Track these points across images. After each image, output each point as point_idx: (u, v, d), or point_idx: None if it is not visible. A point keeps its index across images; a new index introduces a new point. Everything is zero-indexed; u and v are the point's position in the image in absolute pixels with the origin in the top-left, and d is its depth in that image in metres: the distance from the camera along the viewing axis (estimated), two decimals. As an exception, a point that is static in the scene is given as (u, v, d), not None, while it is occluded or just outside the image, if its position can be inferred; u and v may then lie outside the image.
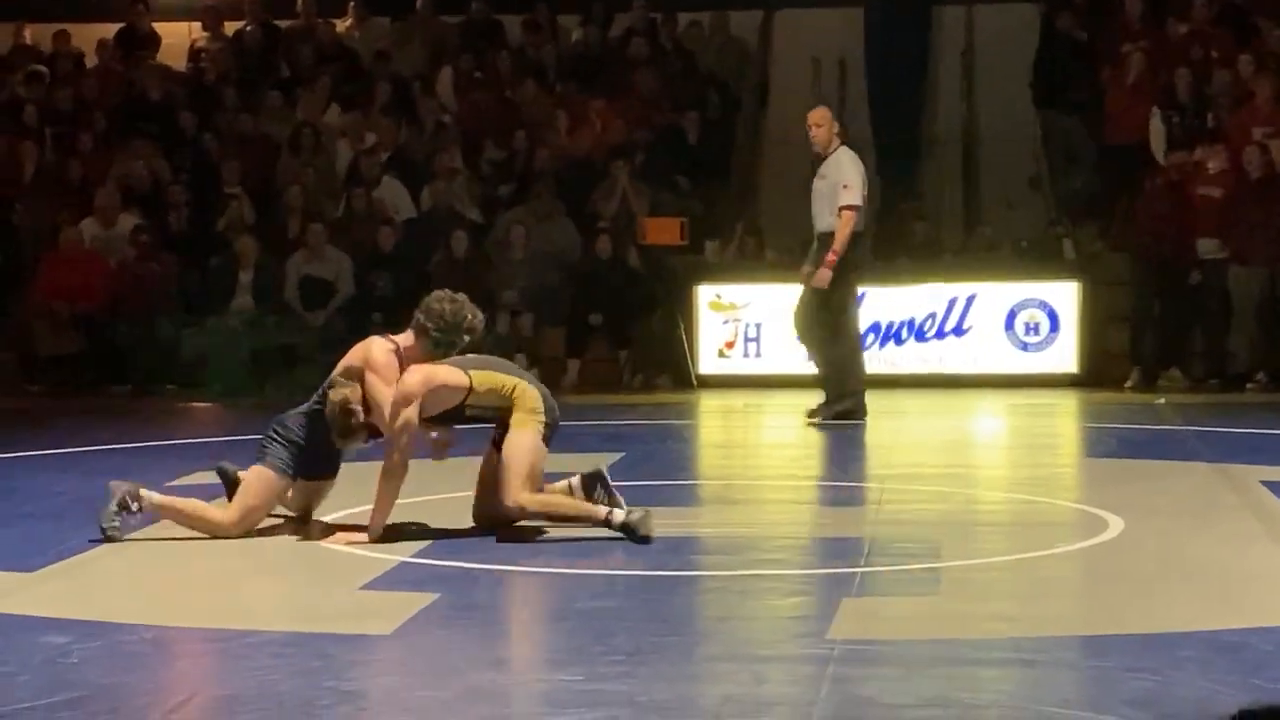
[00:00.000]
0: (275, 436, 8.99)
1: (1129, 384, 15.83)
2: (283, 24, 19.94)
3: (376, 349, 8.97)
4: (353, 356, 9.00)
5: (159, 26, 20.24)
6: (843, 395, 13.54)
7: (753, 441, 13.90)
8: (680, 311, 16.40)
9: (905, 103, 18.88)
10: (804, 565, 8.30)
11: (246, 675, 6.32)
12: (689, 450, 13.45)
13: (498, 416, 8.82)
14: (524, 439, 8.72)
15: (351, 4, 19.77)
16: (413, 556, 8.32)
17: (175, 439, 13.20)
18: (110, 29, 20.08)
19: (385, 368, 8.85)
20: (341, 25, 19.86)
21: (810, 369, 14.08)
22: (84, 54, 19.91)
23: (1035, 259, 16.90)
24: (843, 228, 13.15)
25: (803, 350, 13.90)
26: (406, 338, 9.04)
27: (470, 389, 8.71)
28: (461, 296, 9.08)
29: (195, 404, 15.73)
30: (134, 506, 8.84)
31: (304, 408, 9.05)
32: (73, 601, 7.51)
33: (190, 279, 16.92)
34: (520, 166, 17.80)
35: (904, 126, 18.80)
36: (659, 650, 6.56)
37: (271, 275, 16.66)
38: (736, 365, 16.40)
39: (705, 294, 16.45)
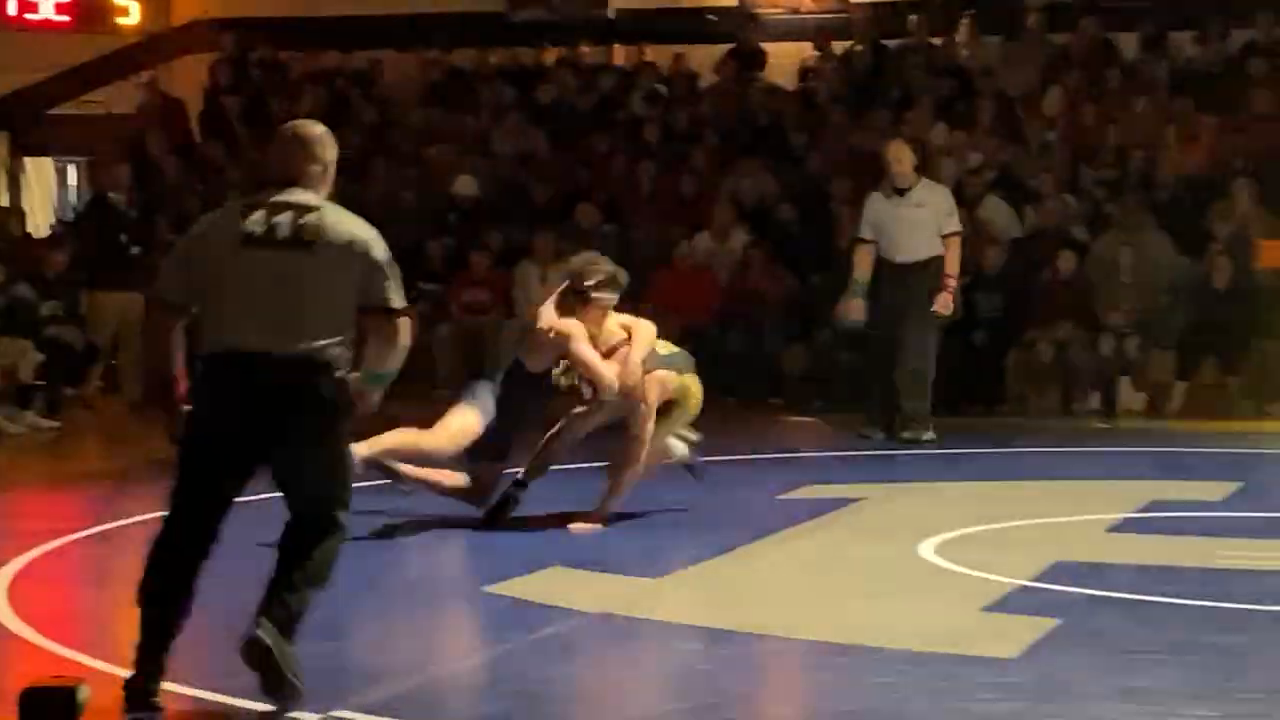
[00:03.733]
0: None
1: None
2: (891, 43, 20.07)
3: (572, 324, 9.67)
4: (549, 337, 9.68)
5: (768, 46, 20.65)
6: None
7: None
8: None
9: None
10: None
11: (873, 691, 6.39)
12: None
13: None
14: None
15: (964, 22, 19.76)
16: (1032, 580, 8.26)
17: (781, 453, 13.46)
18: (721, 49, 20.61)
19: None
20: (953, 42, 19.85)
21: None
22: (698, 74, 20.48)
23: None
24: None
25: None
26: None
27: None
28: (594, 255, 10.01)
29: (799, 418, 15.95)
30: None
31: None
32: (699, 609, 7.73)
33: (798, 295, 17.18)
34: (1131, 184, 17.46)
35: None
36: (1298, 690, 6.37)
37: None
38: (1357, 394, 15.70)
39: (1324, 319, 15.81)
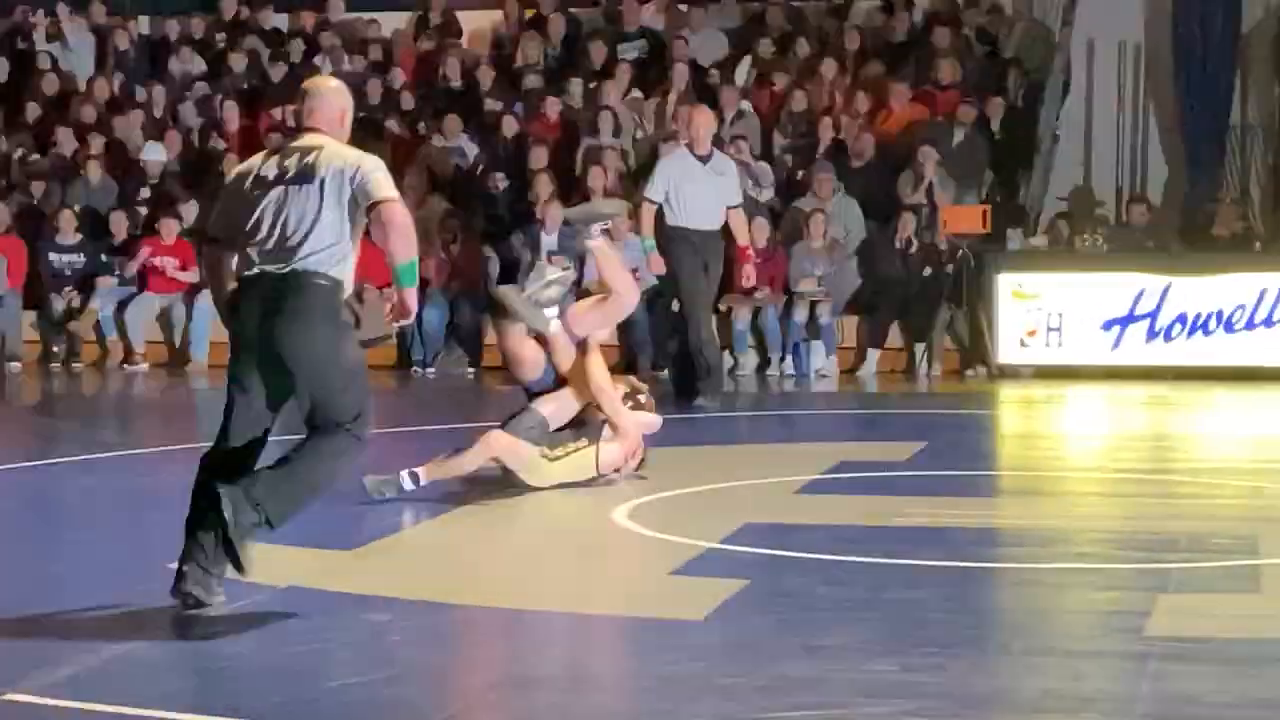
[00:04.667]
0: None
1: None
2: (584, 11, 20.12)
3: None
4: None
5: (463, 15, 20.57)
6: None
7: (1055, 432, 13.70)
8: (981, 300, 16.22)
9: (1213, 90, 18.43)
10: (1116, 559, 8.15)
11: (560, 656, 6.41)
12: (991, 441, 13.30)
13: None
14: None
15: (657, -10, 19.91)
16: (721, 543, 8.35)
17: (481, 421, 13.40)
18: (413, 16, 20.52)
19: None
20: (647, 12, 19.97)
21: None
22: (392, 41, 20.33)
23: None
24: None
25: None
26: None
27: None
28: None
29: (498, 387, 15.92)
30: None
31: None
32: (392, 580, 7.66)
33: (497, 262, 17.10)
34: (822, 152, 17.74)
35: (1212, 114, 18.37)
36: (973, 643, 6.52)
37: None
38: (1038, 355, 16.19)
39: (1006, 283, 16.25)
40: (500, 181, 17.76)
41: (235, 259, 6.97)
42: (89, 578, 7.86)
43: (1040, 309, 16.16)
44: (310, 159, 6.85)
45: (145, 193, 18.38)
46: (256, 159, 7.04)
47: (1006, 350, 16.18)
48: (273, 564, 7.93)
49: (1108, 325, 16.06)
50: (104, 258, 17.64)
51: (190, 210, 17.79)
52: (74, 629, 6.82)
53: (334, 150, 6.89)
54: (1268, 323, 15.82)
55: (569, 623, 6.86)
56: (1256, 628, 6.68)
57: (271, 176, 6.88)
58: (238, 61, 19.91)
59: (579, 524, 9.03)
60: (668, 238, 14.03)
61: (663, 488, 9.84)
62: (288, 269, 6.78)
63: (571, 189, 17.66)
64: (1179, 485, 10.46)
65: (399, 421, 12.99)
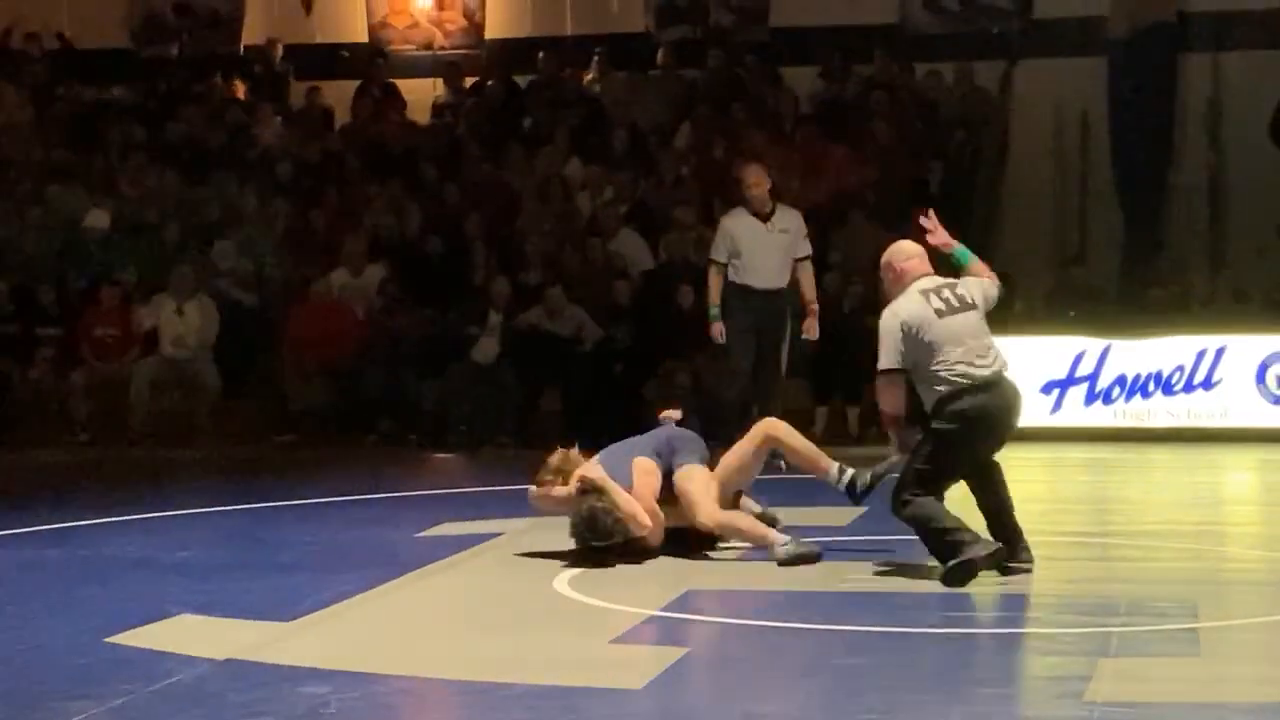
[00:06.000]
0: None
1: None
2: (522, 79, 20.16)
3: None
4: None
5: (403, 83, 20.60)
6: None
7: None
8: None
9: (1150, 152, 18.58)
10: (1058, 624, 8.16)
11: (500, 727, 6.37)
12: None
13: None
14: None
15: (596, 59, 19.96)
16: (661, 610, 8.32)
17: (421, 490, 13.38)
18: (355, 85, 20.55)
19: None
20: (585, 78, 20.04)
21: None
22: (333, 109, 20.35)
23: (1287, 310, 16.53)
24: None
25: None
26: None
27: None
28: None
29: (439, 455, 15.90)
30: None
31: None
32: (330, 651, 7.60)
33: (436, 330, 17.05)
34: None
35: (1148, 176, 18.51)
36: (915, 709, 6.50)
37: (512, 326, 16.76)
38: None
39: (946, 345, 16.24)
40: (430, 247, 17.75)
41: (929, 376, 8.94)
42: (26, 651, 7.79)
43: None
44: (961, 291, 9.13)
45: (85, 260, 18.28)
46: (918, 305, 9.01)
47: (947, 413, 16.14)
48: (211, 637, 7.89)
49: (1047, 388, 16.11)
50: (39, 332, 17.50)
51: (131, 278, 17.69)
52: (10, 705, 6.75)
53: (966, 283, 9.21)
54: (1206, 384, 15.89)
55: (508, 692, 6.81)
56: (1197, 691, 6.70)
57: (945, 308, 9.00)
58: (177, 130, 19.89)
59: (519, 593, 8.99)
60: (726, 297, 13.85)
61: (603, 556, 9.79)
62: (1000, 370, 9.03)
63: (510, 256, 17.65)
64: (1119, 548, 10.49)
65: (350, 490, 13.00)
